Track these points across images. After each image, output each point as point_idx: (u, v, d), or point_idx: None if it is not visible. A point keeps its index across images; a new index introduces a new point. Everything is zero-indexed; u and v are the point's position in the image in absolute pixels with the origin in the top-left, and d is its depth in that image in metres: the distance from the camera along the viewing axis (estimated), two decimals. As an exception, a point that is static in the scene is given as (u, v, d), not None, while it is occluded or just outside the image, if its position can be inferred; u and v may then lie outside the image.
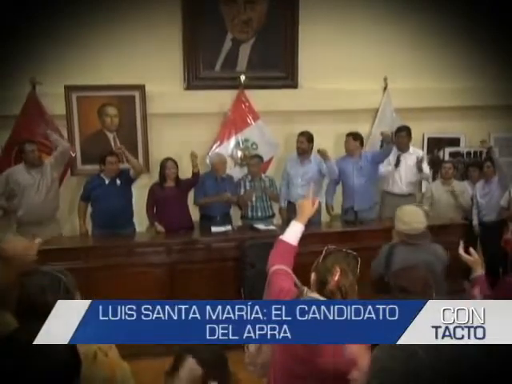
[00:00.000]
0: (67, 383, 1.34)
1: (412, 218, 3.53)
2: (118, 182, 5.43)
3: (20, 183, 5.25)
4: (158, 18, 5.78)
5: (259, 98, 6.05)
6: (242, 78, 6.03)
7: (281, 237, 2.44)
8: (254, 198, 5.74)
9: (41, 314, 2.03)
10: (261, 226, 5.31)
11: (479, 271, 2.83)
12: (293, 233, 2.43)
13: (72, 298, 2.12)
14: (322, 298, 1.98)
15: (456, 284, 4.82)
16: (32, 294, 2.01)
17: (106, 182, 5.43)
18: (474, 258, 2.87)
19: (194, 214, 5.75)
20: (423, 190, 6.63)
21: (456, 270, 4.75)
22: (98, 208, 5.46)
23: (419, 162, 5.86)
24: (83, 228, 5.55)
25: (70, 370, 1.35)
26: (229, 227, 5.39)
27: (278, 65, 6.20)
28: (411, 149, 6.04)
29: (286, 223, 2.30)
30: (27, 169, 5.29)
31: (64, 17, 5.53)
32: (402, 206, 3.74)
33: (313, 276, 2.11)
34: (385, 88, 6.44)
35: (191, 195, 5.73)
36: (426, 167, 6.04)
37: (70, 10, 5.57)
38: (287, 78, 6.24)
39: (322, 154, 5.51)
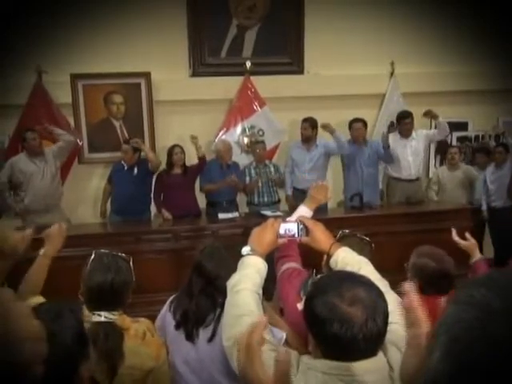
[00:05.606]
0: (72, 368, 1.36)
1: None
2: (136, 170, 5.44)
3: (25, 172, 5.28)
4: (163, 5, 5.75)
5: (265, 84, 6.02)
6: (248, 64, 5.99)
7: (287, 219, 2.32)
8: (260, 184, 5.74)
9: (108, 295, 2.04)
10: (268, 212, 5.31)
11: (477, 255, 2.72)
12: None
13: (131, 280, 2.16)
14: None
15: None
16: (100, 277, 2.06)
17: (125, 168, 5.48)
18: (469, 242, 2.76)
19: (200, 200, 5.78)
20: (430, 175, 6.61)
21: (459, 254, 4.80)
22: (115, 193, 5.59)
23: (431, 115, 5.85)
24: (103, 208, 5.71)
25: (74, 357, 1.37)
26: (236, 214, 5.42)
27: (284, 51, 6.15)
28: (413, 133, 5.99)
29: (292, 210, 2.28)
30: (30, 157, 5.32)
31: (69, 4, 5.52)
32: None
33: (325, 258, 2.09)
34: (392, 73, 6.39)
35: (198, 182, 5.74)
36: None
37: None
38: (293, 63, 6.20)
39: (326, 127, 5.51)
